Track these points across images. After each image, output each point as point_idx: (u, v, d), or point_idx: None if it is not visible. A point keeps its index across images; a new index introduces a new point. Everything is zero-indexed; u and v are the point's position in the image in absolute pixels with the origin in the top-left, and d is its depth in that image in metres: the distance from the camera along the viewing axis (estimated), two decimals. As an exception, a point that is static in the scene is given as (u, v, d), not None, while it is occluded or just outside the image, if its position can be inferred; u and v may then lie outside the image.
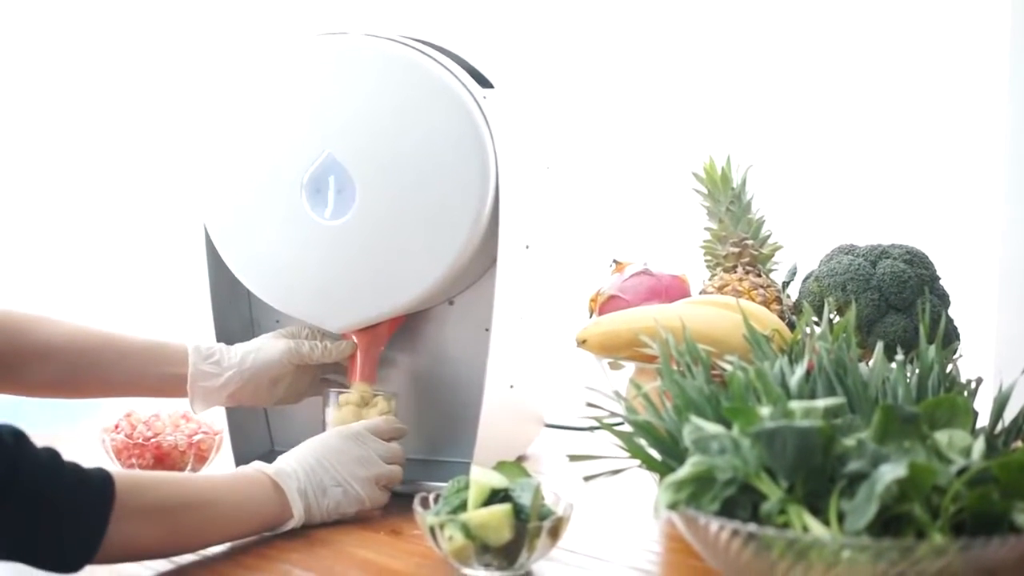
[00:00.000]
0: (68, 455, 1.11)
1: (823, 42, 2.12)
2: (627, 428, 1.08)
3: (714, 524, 0.92)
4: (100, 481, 1.10)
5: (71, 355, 1.39)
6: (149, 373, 1.42)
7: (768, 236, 1.55)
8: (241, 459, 1.51)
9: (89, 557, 1.09)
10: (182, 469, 1.49)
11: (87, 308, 1.48)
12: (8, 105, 2.71)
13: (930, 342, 1.15)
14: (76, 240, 2.81)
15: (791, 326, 1.42)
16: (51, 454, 1.08)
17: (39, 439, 1.10)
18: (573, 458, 1.11)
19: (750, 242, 1.52)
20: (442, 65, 1.38)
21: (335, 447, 1.33)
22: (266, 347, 1.45)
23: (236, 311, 1.56)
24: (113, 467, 1.13)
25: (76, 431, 1.68)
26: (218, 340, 1.49)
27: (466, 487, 1.15)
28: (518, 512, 1.11)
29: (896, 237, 1.49)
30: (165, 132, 2.73)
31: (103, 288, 2.76)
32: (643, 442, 1.07)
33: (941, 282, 1.46)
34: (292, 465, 1.29)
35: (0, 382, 1.39)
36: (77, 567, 1.09)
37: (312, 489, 1.28)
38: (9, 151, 2.74)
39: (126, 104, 2.82)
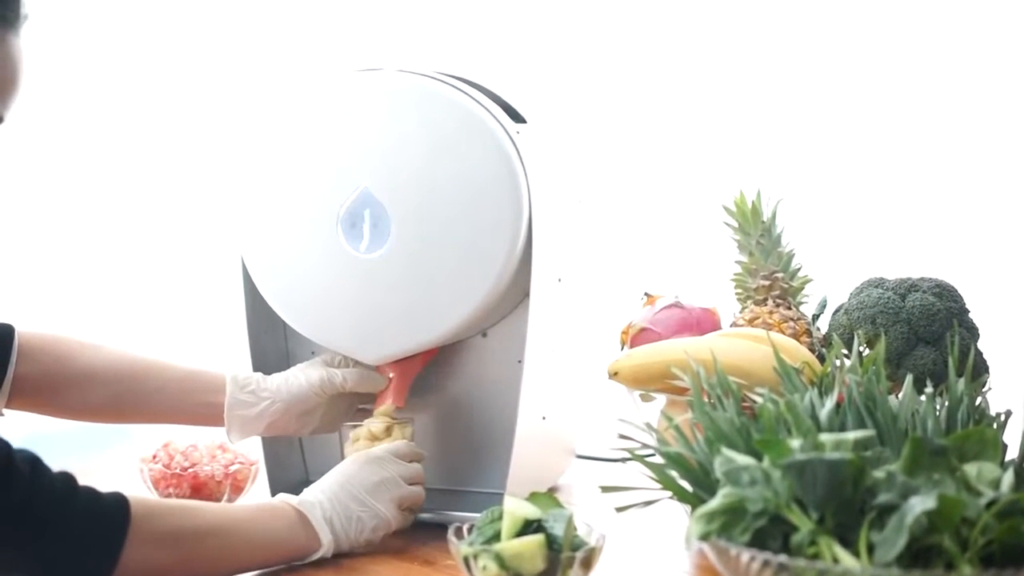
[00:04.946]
0: (105, 485, 1.13)
1: (853, 78, 2.14)
2: (658, 460, 1.09)
3: (745, 555, 0.93)
4: (115, 506, 1.12)
5: (114, 381, 1.42)
6: (189, 401, 1.44)
7: (798, 269, 1.56)
8: (277, 489, 1.53)
9: None
10: (219, 499, 1.50)
11: (126, 338, 1.51)
12: (52, 137, 2.74)
13: (959, 375, 1.16)
14: (117, 271, 2.84)
15: (821, 359, 1.43)
16: (66, 478, 1.10)
17: (75, 469, 1.12)
18: (605, 489, 1.12)
19: (780, 275, 1.53)
20: (476, 100, 1.40)
21: (358, 472, 1.34)
22: (301, 377, 1.47)
23: (272, 342, 1.58)
24: (131, 493, 1.14)
25: (112, 460, 1.70)
26: (254, 371, 1.51)
27: (499, 518, 1.16)
28: (551, 543, 1.12)
29: (925, 270, 1.49)
30: (204, 165, 2.76)
31: (142, 318, 2.79)
32: (674, 473, 1.08)
33: (970, 315, 1.46)
34: (317, 495, 1.30)
35: (45, 406, 1.42)
36: None
37: (338, 516, 1.29)
38: (53, 186, 2.78)
39: (166, 137, 2.86)
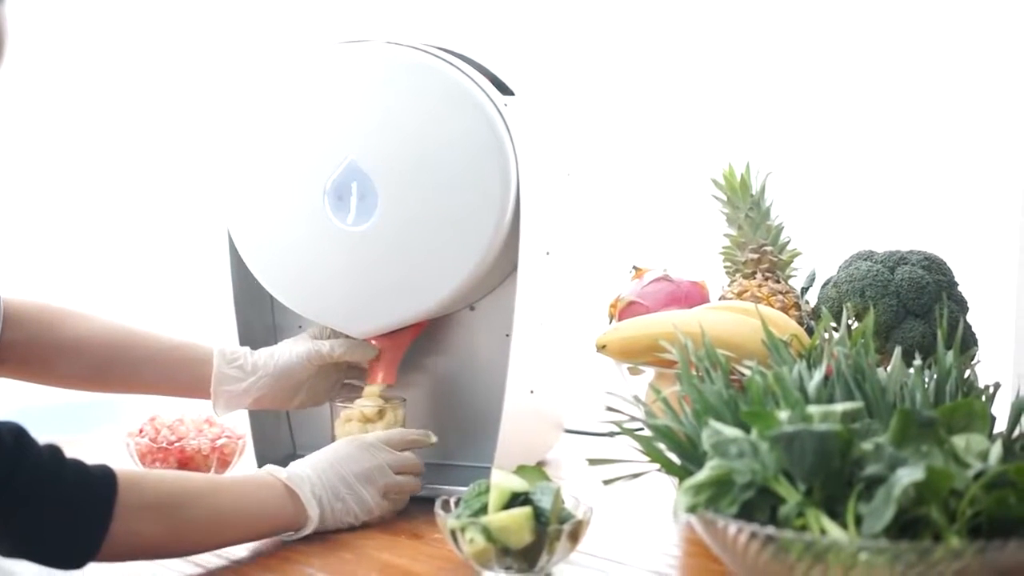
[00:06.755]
0: (92, 459, 1.12)
1: (841, 50, 2.13)
2: (646, 432, 1.09)
3: (733, 527, 0.93)
4: (102, 477, 1.11)
5: (102, 350, 1.42)
6: (177, 373, 1.44)
7: (787, 242, 1.55)
8: (263, 463, 1.52)
9: (92, 553, 1.10)
10: (205, 473, 1.50)
11: (113, 311, 1.50)
12: (41, 114, 2.73)
13: (948, 347, 1.16)
14: (103, 245, 2.84)
15: (809, 332, 1.43)
16: (52, 451, 1.09)
17: (62, 443, 1.11)
18: (593, 462, 1.11)
19: (769, 248, 1.53)
20: (463, 72, 1.39)
21: (347, 455, 1.33)
22: (288, 350, 1.46)
23: (259, 317, 1.57)
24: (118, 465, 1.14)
25: (99, 435, 1.70)
26: (241, 345, 1.50)
27: (487, 491, 1.16)
28: (538, 515, 1.12)
29: (914, 243, 1.49)
30: (190, 139, 2.75)
31: (128, 292, 2.78)
32: (662, 446, 1.08)
33: (959, 288, 1.46)
34: (306, 470, 1.29)
35: (33, 373, 1.42)
36: (81, 563, 1.10)
37: (327, 495, 1.29)
38: (41, 159, 2.77)
39: (153, 111, 2.85)
